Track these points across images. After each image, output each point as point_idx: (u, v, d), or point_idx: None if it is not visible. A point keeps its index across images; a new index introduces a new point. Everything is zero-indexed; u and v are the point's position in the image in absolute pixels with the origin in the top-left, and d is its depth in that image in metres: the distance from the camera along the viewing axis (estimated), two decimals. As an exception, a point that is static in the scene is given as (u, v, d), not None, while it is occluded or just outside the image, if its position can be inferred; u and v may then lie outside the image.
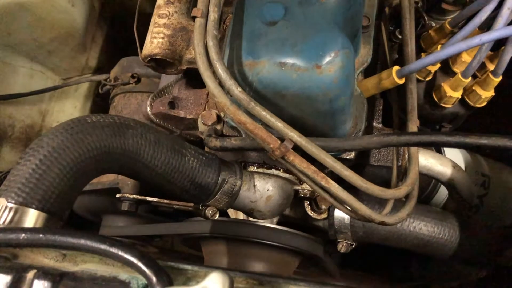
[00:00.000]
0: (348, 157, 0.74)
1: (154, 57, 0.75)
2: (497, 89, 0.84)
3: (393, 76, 0.72)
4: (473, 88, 0.85)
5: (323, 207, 0.83)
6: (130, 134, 0.61)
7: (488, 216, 1.09)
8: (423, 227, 0.82)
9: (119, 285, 0.43)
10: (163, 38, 0.75)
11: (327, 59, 0.59)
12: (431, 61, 0.70)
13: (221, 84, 0.61)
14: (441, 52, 0.69)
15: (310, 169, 0.62)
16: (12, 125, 1.28)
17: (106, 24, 1.43)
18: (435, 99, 0.86)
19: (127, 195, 0.89)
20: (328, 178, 0.63)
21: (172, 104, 0.80)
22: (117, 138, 0.59)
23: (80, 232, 0.43)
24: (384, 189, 0.65)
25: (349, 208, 0.65)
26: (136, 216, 0.99)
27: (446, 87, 0.83)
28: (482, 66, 0.86)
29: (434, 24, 0.93)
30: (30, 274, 0.43)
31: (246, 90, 0.63)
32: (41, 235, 0.43)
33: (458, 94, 0.83)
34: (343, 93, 0.62)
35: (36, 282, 0.43)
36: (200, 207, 0.71)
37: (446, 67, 0.86)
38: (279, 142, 0.61)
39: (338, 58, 0.59)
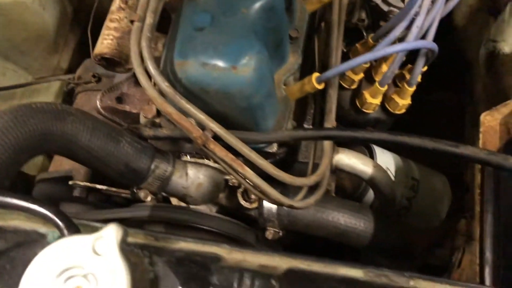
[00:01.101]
0: (271, 151, 0.83)
1: (103, 56, 0.84)
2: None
3: (312, 81, 0.82)
4: (392, 96, 0.95)
5: (253, 197, 0.92)
6: (69, 120, 0.70)
7: (418, 217, 1.19)
8: (340, 218, 0.91)
9: (38, 237, 0.52)
10: (112, 39, 0.85)
11: (243, 61, 0.68)
12: (344, 68, 0.80)
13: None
14: (352, 61, 0.79)
15: (228, 157, 0.72)
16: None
17: (79, 29, 1.52)
18: (358, 105, 0.96)
19: (79, 182, 0.97)
20: (244, 165, 0.72)
21: (119, 99, 0.89)
22: (57, 122, 0.68)
23: (8, 192, 0.52)
24: (294, 177, 0.75)
25: (262, 193, 0.74)
26: (87, 204, 1.07)
27: (367, 94, 0.93)
28: (403, 77, 0.97)
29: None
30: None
31: (177, 87, 0.72)
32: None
33: (377, 101, 0.94)
34: (258, 92, 0.71)
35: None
36: (135, 190, 0.80)
37: (370, 77, 0.96)
38: (201, 132, 0.70)
39: (252, 61, 0.69)
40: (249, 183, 0.73)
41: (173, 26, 0.76)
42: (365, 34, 1.14)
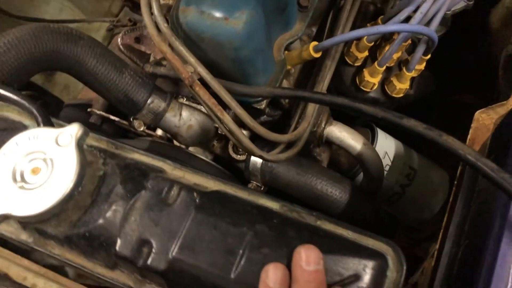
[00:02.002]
0: (258, 107, 0.90)
1: (127, -4, 0.94)
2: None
3: (310, 49, 0.87)
4: (392, 79, 0.98)
5: (241, 150, 0.99)
6: (80, 43, 0.80)
7: (409, 206, 1.22)
8: (318, 183, 0.96)
9: (22, 127, 0.62)
10: (138, -17, 0.93)
11: (235, 14, 0.75)
12: (338, 40, 0.84)
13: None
14: (346, 35, 0.84)
15: (211, 101, 0.79)
16: None
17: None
18: (357, 82, 1.00)
19: (95, 110, 1.08)
20: (224, 111, 0.79)
21: (137, 39, 0.98)
22: (68, 43, 0.78)
23: (4, 86, 0.62)
24: (269, 131, 0.81)
25: (237, 140, 0.81)
26: (100, 131, 1.18)
27: (366, 73, 0.97)
28: (406, 62, 0.99)
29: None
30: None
31: (178, 31, 0.80)
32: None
33: (374, 80, 0.97)
34: (246, 46, 0.78)
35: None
36: (131, 120, 0.89)
37: (374, 56, 1.00)
38: (189, 73, 0.78)
39: (243, 16, 0.75)
40: (226, 129, 0.80)
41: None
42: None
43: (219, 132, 0.95)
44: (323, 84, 0.90)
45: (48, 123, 0.61)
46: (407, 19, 0.89)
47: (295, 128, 0.89)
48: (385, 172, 1.12)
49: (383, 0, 1.11)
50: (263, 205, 0.55)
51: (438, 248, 0.83)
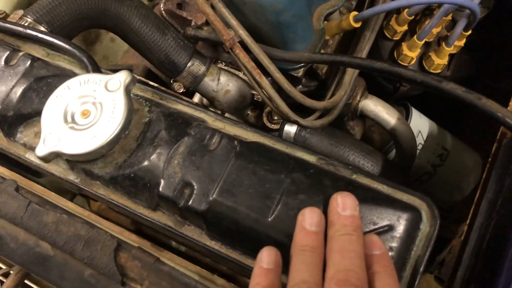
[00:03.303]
0: (295, 74, 0.91)
1: (173, -37, 0.96)
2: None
3: (349, 18, 0.87)
4: (430, 54, 0.98)
5: (276, 118, 1.00)
6: (126, 3, 0.82)
7: (440, 186, 1.21)
8: (350, 155, 0.97)
9: (72, 74, 0.65)
10: (183, -51, 0.95)
11: (279, -23, 0.76)
12: (379, 10, 0.84)
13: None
14: (388, 4, 0.83)
15: (250, 64, 0.81)
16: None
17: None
18: (395, 56, 0.99)
19: (135, 75, 1.11)
20: (262, 75, 0.81)
21: (179, 6, 1.01)
22: (116, 2, 0.81)
23: (58, 36, 0.65)
24: (305, 97, 0.82)
25: (274, 104, 0.83)
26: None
27: (404, 46, 0.97)
28: (445, 38, 0.98)
29: None
30: (21, 53, 0.66)
31: (222, -6, 0.82)
32: (31, 32, 0.66)
33: (413, 55, 0.97)
34: (288, 10, 0.79)
35: (23, 58, 0.65)
36: (171, 81, 0.92)
37: (413, 31, 0.99)
38: (230, 35, 0.80)
39: (287, -20, 0.76)
40: (263, 92, 0.82)
41: None
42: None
43: (255, 99, 0.97)
44: (361, 55, 0.91)
45: (97, 71, 0.64)
46: (449, -7, 0.89)
47: (331, 96, 0.90)
48: (418, 151, 1.12)
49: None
50: (300, 157, 0.57)
51: (469, 223, 0.83)
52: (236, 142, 0.56)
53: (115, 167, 0.58)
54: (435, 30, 0.96)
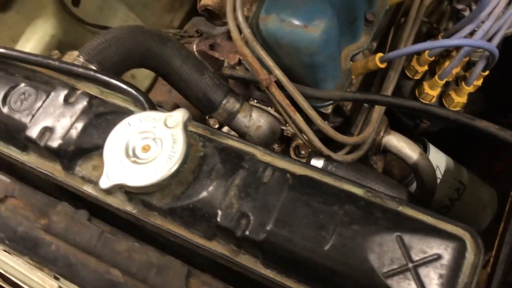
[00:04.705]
0: (325, 112, 0.96)
1: (206, 7, 1.02)
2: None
3: (376, 59, 0.93)
4: (450, 93, 1.03)
5: (303, 152, 1.05)
6: (169, 45, 0.88)
7: (458, 219, 1.24)
8: (376, 188, 1.00)
9: (128, 111, 0.69)
10: (217, -5, 1.02)
11: (314, 22, 0.82)
12: (404, 52, 0.91)
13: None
14: (411, 47, 0.89)
15: (285, 102, 0.85)
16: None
17: (194, -4, 1.73)
18: (417, 94, 1.05)
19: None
20: (296, 112, 0.86)
21: (211, 47, 1.06)
22: (159, 44, 0.86)
23: (114, 76, 0.70)
24: (337, 133, 0.87)
25: (307, 139, 0.87)
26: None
27: (426, 85, 1.02)
28: (464, 78, 1.04)
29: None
30: (79, 91, 0.70)
31: (257, 37, 0.87)
32: (90, 72, 0.71)
33: (434, 93, 1.02)
34: (322, 52, 0.84)
35: (81, 96, 0.70)
36: (207, 117, 0.96)
37: (433, 72, 1.05)
38: (267, 75, 0.85)
39: (322, 24, 0.82)
40: (297, 128, 0.86)
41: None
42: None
43: (285, 134, 1.01)
44: (387, 93, 0.96)
45: (154, 108, 0.68)
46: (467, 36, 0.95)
47: (359, 132, 0.95)
48: (436, 185, 1.16)
49: (438, 20, 1.17)
50: (348, 190, 0.61)
51: (494, 254, 0.86)
52: (288, 175, 0.60)
53: (173, 198, 0.61)
54: (454, 70, 1.01)
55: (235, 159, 0.63)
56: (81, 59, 0.78)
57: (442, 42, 0.87)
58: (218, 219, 0.58)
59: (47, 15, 1.36)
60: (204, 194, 0.60)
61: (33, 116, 0.68)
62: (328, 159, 0.94)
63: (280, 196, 0.58)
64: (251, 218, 0.58)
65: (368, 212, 0.57)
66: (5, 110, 0.69)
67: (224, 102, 0.94)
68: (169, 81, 0.92)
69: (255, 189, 0.59)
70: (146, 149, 0.62)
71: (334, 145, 0.92)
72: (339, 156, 0.88)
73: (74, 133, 0.66)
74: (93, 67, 0.78)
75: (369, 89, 1.08)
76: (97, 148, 0.66)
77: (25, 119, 0.68)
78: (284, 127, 1.01)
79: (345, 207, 0.57)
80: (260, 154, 0.65)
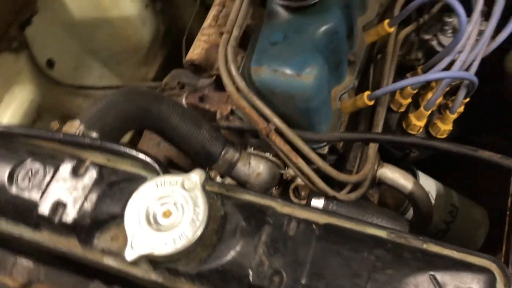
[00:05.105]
0: (322, 152, 0.98)
1: (193, 62, 1.03)
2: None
3: (364, 97, 0.96)
4: (435, 122, 1.07)
5: (303, 193, 1.06)
6: (165, 104, 0.88)
7: (454, 241, 1.27)
8: (378, 222, 1.02)
9: (141, 178, 0.69)
10: (202, 49, 1.04)
11: (306, 70, 0.84)
12: (391, 88, 0.94)
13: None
14: (398, 83, 0.93)
15: (285, 148, 0.87)
16: (78, 113, 1.59)
17: (167, 47, 1.75)
18: (404, 126, 1.08)
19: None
20: (298, 156, 0.87)
21: (201, 99, 1.07)
22: (155, 103, 0.87)
23: (124, 144, 0.70)
24: (339, 172, 0.88)
25: (311, 182, 0.88)
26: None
27: (412, 117, 1.06)
28: (446, 106, 1.09)
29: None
30: (87, 162, 0.70)
31: (251, 88, 0.89)
32: (97, 142, 0.70)
33: (421, 124, 1.06)
34: (316, 97, 0.87)
35: (90, 167, 0.69)
36: (207, 170, 0.96)
37: (416, 103, 1.09)
38: (266, 124, 0.86)
39: (313, 71, 0.84)
40: (300, 172, 0.88)
41: (252, 41, 0.94)
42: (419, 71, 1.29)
43: (284, 178, 1.02)
44: (378, 129, 0.99)
45: (167, 171, 0.68)
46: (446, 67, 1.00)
47: (358, 169, 0.97)
48: (430, 210, 1.19)
49: (408, 51, 1.23)
50: (372, 233, 0.62)
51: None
52: (314, 226, 0.61)
53: (199, 262, 0.60)
54: (437, 100, 1.06)
55: (258, 214, 0.63)
56: (82, 128, 0.77)
57: (426, 77, 0.92)
58: (250, 279, 0.58)
59: (23, 81, 1.35)
60: (232, 254, 0.60)
61: (43, 192, 0.67)
62: (328, 198, 0.96)
63: (309, 248, 0.59)
64: (284, 274, 0.58)
65: (397, 255, 0.58)
66: (13, 189, 0.68)
67: (223, 153, 0.94)
68: (167, 138, 0.92)
69: (283, 244, 0.60)
70: (167, 214, 0.61)
71: (331, 183, 0.93)
72: (344, 196, 0.89)
73: (88, 205, 0.65)
74: (94, 135, 0.77)
75: (357, 124, 1.11)
76: (114, 218, 0.65)
77: (35, 196, 0.67)
78: (283, 171, 1.02)
79: (375, 252, 0.58)
80: (279, 206, 0.66)
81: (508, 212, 0.97)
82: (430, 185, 1.26)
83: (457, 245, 1.35)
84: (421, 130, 1.08)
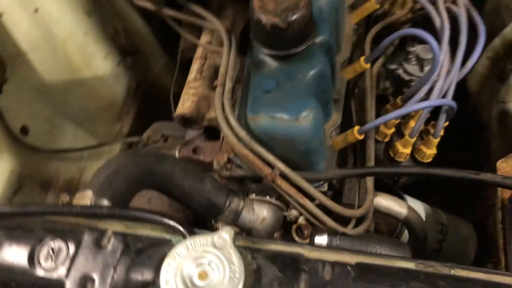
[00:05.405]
0: (322, 190, 1.00)
1: (184, 116, 1.05)
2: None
3: (354, 132, 1.01)
4: (420, 147, 1.13)
5: (306, 232, 1.07)
6: (167, 162, 0.89)
7: (449, 259, 1.32)
8: (382, 252, 1.05)
9: (166, 242, 0.68)
10: (191, 102, 1.06)
11: (303, 114, 0.88)
12: (381, 121, 0.99)
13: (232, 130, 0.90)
14: (388, 115, 0.98)
15: (292, 190, 0.89)
16: (57, 177, 1.55)
17: (138, 100, 1.75)
18: (391, 155, 1.13)
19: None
20: (305, 198, 0.89)
21: (194, 151, 1.08)
22: (158, 162, 0.87)
23: (144, 209, 0.70)
24: (345, 208, 0.91)
25: (319, 221, 0.90)
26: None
27: (399, 145, 1.11)
28: (427, 132, 1.15)
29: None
30: (109, 232, 0.69)
31: (250, 136, 0.91)
32: (115, 211, 0.70)
33: (407, 151, 1.11)
34: (315, 138, 0.90)
35: (113, 237, 0.68)
36: (213, 222, 0.96)
37: (399, 132, 1.15)
38: (270, 170, 0.88)
39: (310, 114, 0.88)
40: (308, 213, 0.90)
41: (244, 91, 0.97)
42: (391, 99, 1.36)
43: (288, 219, 1.04)
44: (371, 161, 1.03)
45: (193, 232, 0.68)
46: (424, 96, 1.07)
47: (358, 202, 1.00)
48: (422, 231, 1.23)
49: (377, 81, 1.30)
50: (402, 266, 0.64)
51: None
52: (348, 267, 0.63)
53: (241, 319, 0.61)
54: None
55: (291, 263, 0.64)
56: (94, 197, 0.76)
57: (413, 107, 0.97)
58: (298, 329, 0.59)
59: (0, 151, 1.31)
60: (274, 306, 0.60)
61: (68, 270, 0.65)
62: (330, 234, 0.98)
63: (349, 290, 0.60)
64: (330, 319, 0.59)
65: (433, 284, 0.60)
66: (36, 271, 0.65)
67: (228, 203, 0.95)
68: (173, 195, 0.92)
69: (322, 289, 0.61)
70: (203, 276, 0.61)
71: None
72: (353, 230, 0.92)
73: (119, 277, 0.64)
74: (106, 202, 0.77)
75: (345, 158, 1.15)
76: (146, 286, 0.64)
77: (61, 275, 0.65)
78: (285, 213, 1.03)
79: (412, 285, 0.60)
80: (307, 251, 0.67)
81: (501, 225, 1.03)
82: (418, 207, 1.31)
83: (452, 262, 1.40)
84: (408, 156, 1.14)
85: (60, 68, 1.43)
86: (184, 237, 0.67)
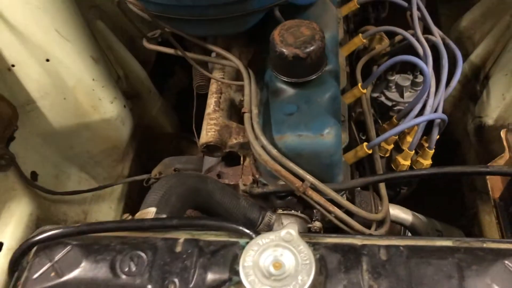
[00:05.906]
0: (342, 199, 1.11)
1: (209, 143, 1.14)
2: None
3: (364, 148, 1.13)
4: (418, 159, 1.27)
5: (327, 243, 1.16)
6: (209, 182, 0.97)
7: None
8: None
9: (233, 244, 0.76)
10: (214, 131, 1.15)
11: (326, 131, 0.99)
12: (384, 137, 1.12)
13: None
14: (393, 130, 1.12)
15: (322, 199, 0.99)
16: (65, 220, 1.58)
17: (136, 142, 1.82)
18: (393, 167, 1.26)
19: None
20: (335, 207, 0.99)
21: (219, 176, 1.17)
22: (202, 183, 0.95)
23: (212, 217, 0.77)
24: (369, 213, 1.02)
25: (348, 226, 1.00)
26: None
27: (399, 159, 1.25)
28: (422, 146, 1.29)
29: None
30: (181, 239, 0.76)
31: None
32: (186, 221, 0.77)
33: (407, 163, 1.25)
34: (337, 151, 1.01)
35: (186, 243, 0.75)
36: (248, 237, 1.04)
37: (397, 147, 1.29)
38: (301, 182, 0.98)
39: (333, 130, 1.00)
40: (337, 219, 1.00)
41: (265, 115, 1.08)
42: (380, 121, 1.51)
43: (312, 231, 1.13)
44: (381, 172, 1.15)
45: (258, 233, 0.76)
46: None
47: (375, 208, 1.11)
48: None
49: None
50: (442, 244, 0.75)
51: None
52: (401, 247, 0.73)
53: (316, 302, 0.69)
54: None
55: (349, 250, 0.73)
56: (156, 213, 0.83)
57: (412, 122, 1.12)
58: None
59: (17, 196, 1.34)
60: (343, 283, 0.69)
61: (149, 274, 0.71)
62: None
63: (406, 265, 0.70)
64: (395, 296, 0.68)
65: (473, 254, 0.71)
66: (119, 279, 0.71)
67: (261, 218, 1.03)
68: (212, 212, 0.99)
69: (382, 267, 0.70)
70: (277, 266, 0.69)
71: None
72: (376, 232, 1.02)
73: (198, 278, 0.71)
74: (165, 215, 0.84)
75: (352, 173, 1.27)
76: (224, 283, 0.71)
77: (144, 281, 0.71)
78: (310, 225, 1.12)
79: (456, 256, 0.71)
80: (360, 241, 0.77)
81: (496, 221, 1.16)
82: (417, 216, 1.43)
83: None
84: (407, 168, 1.27)
85: (69, 113, 1.49)
86: (251, 238, 0.76)
